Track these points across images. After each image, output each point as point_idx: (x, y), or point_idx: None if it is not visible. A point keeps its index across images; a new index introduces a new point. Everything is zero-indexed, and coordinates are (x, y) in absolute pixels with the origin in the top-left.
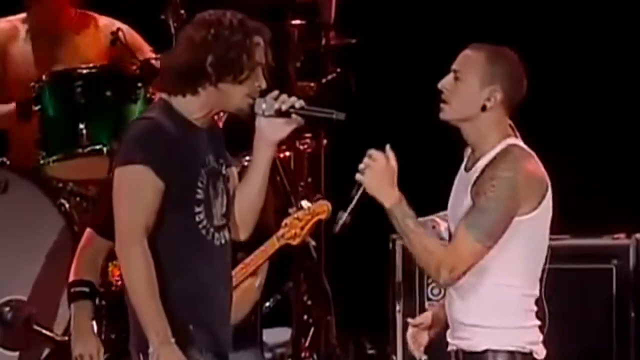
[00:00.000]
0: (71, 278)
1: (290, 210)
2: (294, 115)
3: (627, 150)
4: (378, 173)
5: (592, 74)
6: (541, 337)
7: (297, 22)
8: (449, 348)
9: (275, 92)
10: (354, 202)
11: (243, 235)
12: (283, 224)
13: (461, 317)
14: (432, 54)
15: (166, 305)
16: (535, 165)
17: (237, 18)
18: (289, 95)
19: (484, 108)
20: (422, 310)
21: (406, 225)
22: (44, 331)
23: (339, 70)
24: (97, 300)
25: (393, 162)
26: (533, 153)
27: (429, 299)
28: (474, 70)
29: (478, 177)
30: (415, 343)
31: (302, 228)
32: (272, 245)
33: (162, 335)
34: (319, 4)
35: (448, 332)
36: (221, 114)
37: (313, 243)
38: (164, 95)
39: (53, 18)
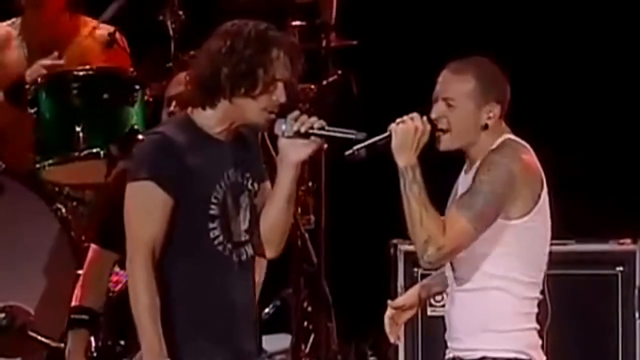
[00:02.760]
0: (73, 302)
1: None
2: (313, 137)
3: (633, 155)
4: (410, 132)
5: (600, 78)
6: (540, 342)
7: (298, 23)
8: (447, 356)
9: (296, 113)
10: (375, 140)
11: (270, 254)
12: None
13: (459, 322)
14: (434, 56)
15: (177, 318)
16: (532, 159)
17: (258, 29)
18: (309, 115)
19: (485, 127)
20: (424, 315)
21: (412, 191)
22: (39, 338)
23: (340, 72)
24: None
25: (426, 133)
26: (530, 147)
27: (430, 305)
28: (467, 96)
29: (477, 170)
30: (392, 325)
31: None
32: None
33: (155, 351)
34: (320, 5)
35: (447, 335)
36: None
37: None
38: (189, 109)
39: (49, 23)
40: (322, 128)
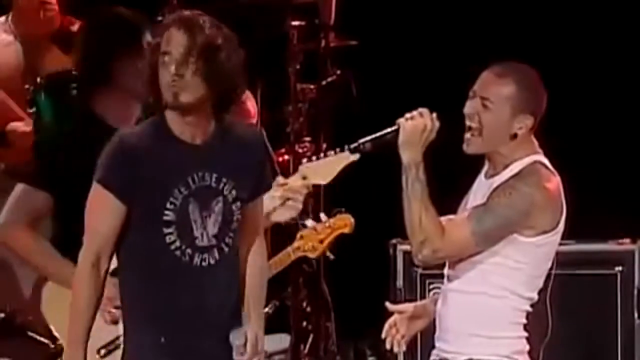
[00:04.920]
0: None
1: (307, 222)
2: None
3: (632, 155)
4: (418, 129)
5: (601, 78)
6: (527, 347)
7: (297, 23)
8: (432, 357)
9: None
10: (382, 134)
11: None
12: (298, 236)
13: (450, 323)
14: (434, 55)
15: (139, 317)
16: (556, 186)
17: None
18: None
19: (515, 136)
20: None
21: (413, 189)
22: (38, 338)
23: (339, 72)
24: None
25: (434, 130)
26: (556, 173)
27: None
28: (506, 100)
29: (500, 184)
30: (392, 331)
31: (321, 241)
32: (287, 256)
33: (73, 355)
34: (319, 5)
35: (436, 335)
36: None
37: (332, 257)
38: None
39: (42, 25)
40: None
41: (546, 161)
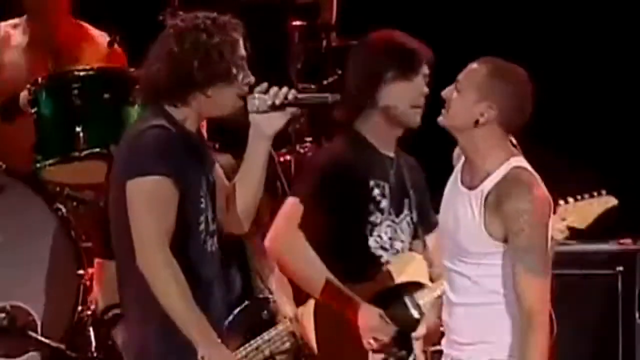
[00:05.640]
0: (101, 305)
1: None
2: (288, 107)
3: (633, 155)
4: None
5: (599, 78)
6: None
7: (298, 23)
8: (444, 359)
9: (264, 85)
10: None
11: (243, 229)
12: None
13: (460, 329)
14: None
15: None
16: (543, 190)
17: (211, 17)
18: (279, 87)
19: (476, 122)
20: None
21: None
22: (40, 338)
23: (340, 72)
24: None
25: None
26: (536, 174)
27: None
28: (473, 83)
29: (492, 204)
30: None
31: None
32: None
33: (208, 337)
34: (320, 5)
35: (443, 341)
36: None
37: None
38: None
39: (53, 28)
40: (295, 98)
41: (524, 163)
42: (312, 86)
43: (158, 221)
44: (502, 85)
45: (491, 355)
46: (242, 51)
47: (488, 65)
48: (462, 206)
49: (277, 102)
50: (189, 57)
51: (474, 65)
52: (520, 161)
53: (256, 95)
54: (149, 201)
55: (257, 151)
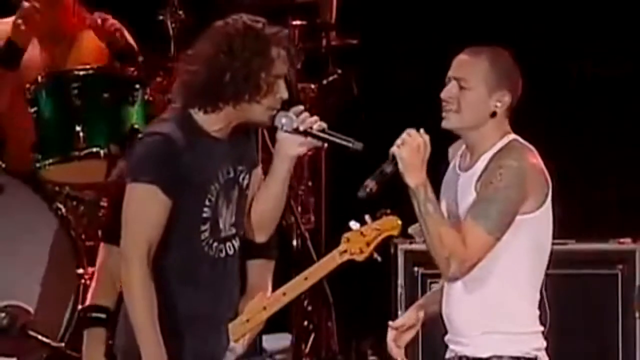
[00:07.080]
0: (88, 301)
1: (352, 224)
2: (310, 137)
3: (633, 154)
4: (414, 151)
5: (598, 78)
6: (545, 344)
7: (298, 22)
8: (448, 354)
9: (299, 108)
10: (381, 169)
11: (261, 238)
12: (344, 238)
13: (464, 323)
14: (434, 55)
15: (168, 319)
16: (538, 161)
17: (254, 28)
18: (312, 114)
19: (494, 114)
20: None
21: (426, 209)
22: (39, 337)
23: (340, 71)
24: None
25: (428, 144)
26: (534, 149)
27: None
28: (480, 76)
29: (483, 171)
30: (396, 347)
31: (367, 244)
32: (332, 260)
33: (156, 357)
34: (320, 5)
35: (447, 337)
36: None
37: (379, 259)
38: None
39: (62, 20)
40: (322, 130)
41: (522, 140)
42: (312, 85)
43: (141, 230)
44: (505, 69)
45: (494, 351)
46: (281, 69)
47: (484, 54)
48: (462, 190)
49: (302, 127)
50: (221, 67)
51: (467, 58)
52: (516, 137)
53: (287, 114)
54: (134, 207)
55: (277, 171)
